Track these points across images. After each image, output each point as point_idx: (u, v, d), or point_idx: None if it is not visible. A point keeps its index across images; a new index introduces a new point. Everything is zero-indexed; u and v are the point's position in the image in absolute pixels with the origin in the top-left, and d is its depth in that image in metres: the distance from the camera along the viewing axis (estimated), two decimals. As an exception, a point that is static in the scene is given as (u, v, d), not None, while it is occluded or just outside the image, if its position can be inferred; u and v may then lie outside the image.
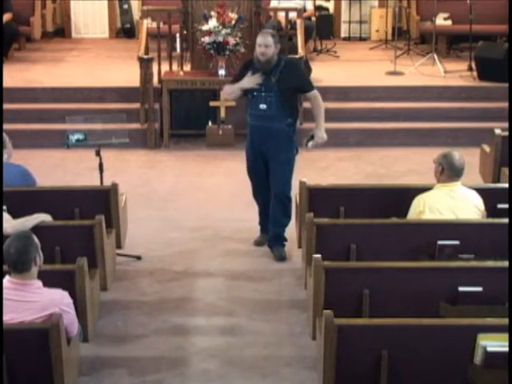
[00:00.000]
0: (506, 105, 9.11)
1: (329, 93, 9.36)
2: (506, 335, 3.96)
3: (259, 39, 6.37)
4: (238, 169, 8.00)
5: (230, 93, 6.66)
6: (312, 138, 6.50)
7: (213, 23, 9.20)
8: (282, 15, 10.45)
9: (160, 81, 9.63)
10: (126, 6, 13.30)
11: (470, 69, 10.60)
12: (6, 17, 11.13)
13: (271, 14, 10.80)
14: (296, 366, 5.09)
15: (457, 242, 5.24)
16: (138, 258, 6.59)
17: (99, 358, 5.14)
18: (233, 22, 9.23)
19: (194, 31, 9.53)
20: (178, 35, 9.60)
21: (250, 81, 6.40)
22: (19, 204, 5.64)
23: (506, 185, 6.22)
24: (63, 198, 6.00)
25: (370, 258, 5.19)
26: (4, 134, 5.89)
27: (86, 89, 10.03)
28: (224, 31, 9.17)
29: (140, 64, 9.39)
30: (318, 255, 4.84)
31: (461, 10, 11.29)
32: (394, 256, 5.12)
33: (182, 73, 9.62)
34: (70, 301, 4.49)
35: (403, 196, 5.79)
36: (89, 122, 6.77)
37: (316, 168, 8.70)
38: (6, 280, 4.34)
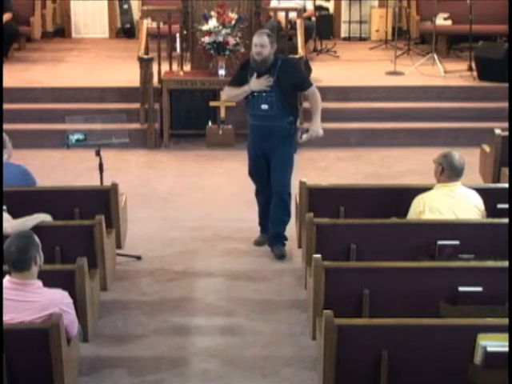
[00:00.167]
0: (505, 105, 9.11)
1: (329, 93, 9.36)
2: (506, 335, 3.96)
3: (255, 39, 6.42)
4: (238, 169, 8.01)
5: (234, 96, 6.71)
6: (307, 131, 6.52)
7: (213, 23, 9.21)
8: (282, 15, 10.45)
9: (160, 81, 9.63)
10: (125, 6, 13.30)
11: (470, 69, 10.60)
12: (6, 17, 11.13)
13: (271, 13, 10.79)
14: (296, 365, 5.09)
15: (457, 242, 5.24)
16: (138, 257, 6.59)
17: (99, 358, 5.14)
18: (233, 22, 9.24)
19: (194, 31, 9.54)
20: (177, 35, 9.60)
21: (260, 83, 6.40)
22: (19, 204, 5.64)
23: (506, 185, 6.22)
24: (63, 198, 6.00)
25: (370, 258, 5.19)
26: (4, 134, 5.89)
27: (86, 89, 10.03)
28: (224, 31, 9.17)
29: (140, 64, 9.40)
30: (318, 255, 4.83)
31: (461, 10, 11.29)
32: (394, 256, 5.12)
33: (181, 73, 9.62)
34: (70, 301, 4.48)
35: (403, 196, 5.79)
36: (89, 122, 6.77)
37: (316, 168, 8.71)
38: (6, 280, 4.34)
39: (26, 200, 5.79)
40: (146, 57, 9.45)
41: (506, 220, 5.38)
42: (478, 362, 4.03)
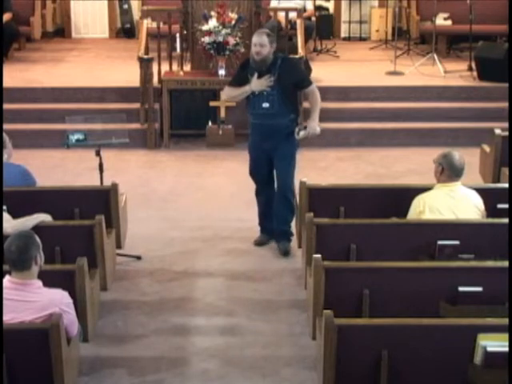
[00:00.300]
0: (505, 105, 9.11)
1: (329, 93, 9.36)
2: (506, 335, 3.96)
3: (254, 39, 6.44)
4: (238, 169, 8.02)
5: (234, 96, 6.72)
6: (304, 128, 6.52)
7: (213, 23, 9.21)
8: (282, 15, 10.45)
9: (160, 81, 9.63)
10: (126, 6, 13.30)
11: (470, 69, 10.60)
12: (6, 17, 11.13)
13: (271, 13, 10.79)
14: (296, 365, 5.09)
15: (457, 242, 5.24)
16: (138, 257, 6.59)
17: (99, 358, 5.14)
18: (233, 22, 9.24)
19: (194, 31, 9.54)
20: (178, 35, 9.60)
21: (260, 83, 6.40)
22: (19, 204, 5.64)
23: (506, 185, 6.22)
24: (63, 198, 6.00)
25: (370, 258, 5.19)
26: (4, 134, 5.89)
27: (86, 89, 10.03)
28: (224, 31, 9.17)
29: (140, 64, 9.40)
30: (318, 255, 4.83)
31: (461, 10, 11.29)
32: (394, 256, 5.12)
33: (181, 73, 9.62)
34: (70, 301, 4.48)
35: (403, 196, 5.79)
36: (89, 122, 6.77)
37: (316, 168, 8.71)
38: (6, 280, 4.34)
39: (26, 200, 5.79)
40: (146, 57, 9.45)
41: (506, 220, 5.38)
42: (478, 362, 4.03)
